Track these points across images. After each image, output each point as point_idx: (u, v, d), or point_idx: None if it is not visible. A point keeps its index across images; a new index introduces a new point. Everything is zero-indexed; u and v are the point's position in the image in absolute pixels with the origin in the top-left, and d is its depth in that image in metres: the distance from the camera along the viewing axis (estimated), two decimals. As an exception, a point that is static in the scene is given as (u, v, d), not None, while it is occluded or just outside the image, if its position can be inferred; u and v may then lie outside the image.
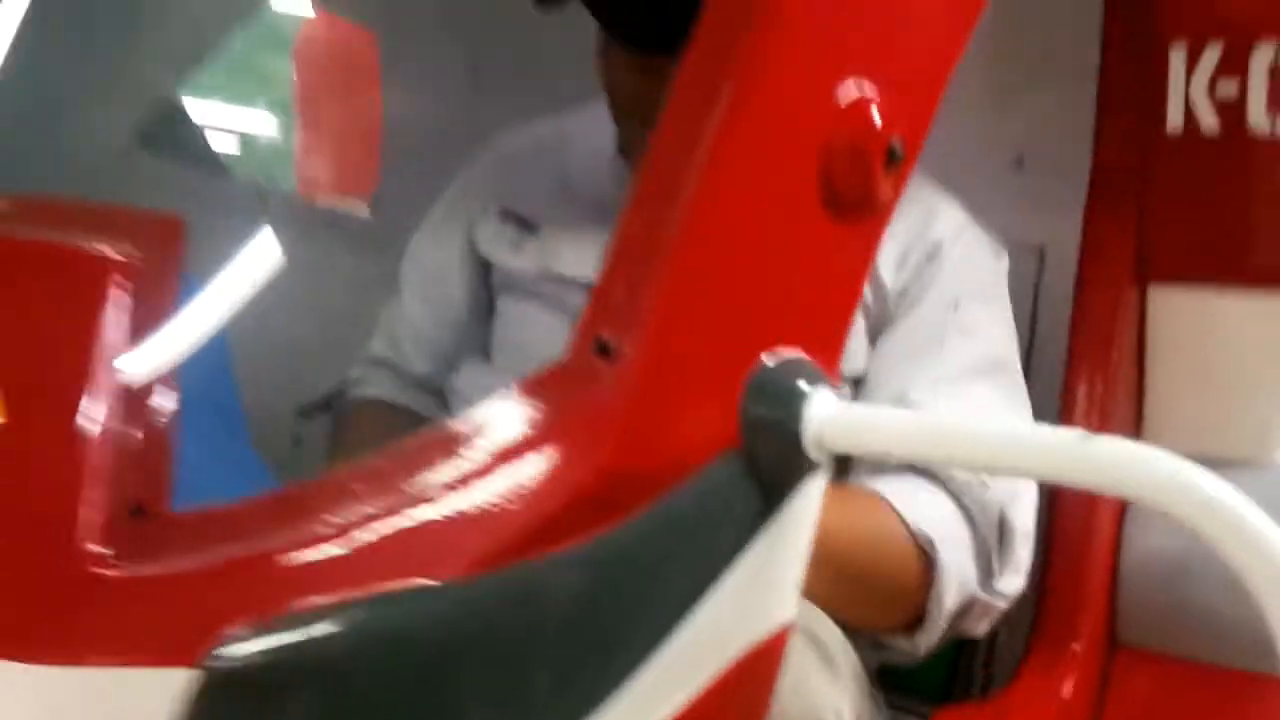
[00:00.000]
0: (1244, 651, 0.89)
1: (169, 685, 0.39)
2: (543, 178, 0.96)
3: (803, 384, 0.43)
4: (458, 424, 0.44)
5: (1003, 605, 0.81)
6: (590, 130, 0.96)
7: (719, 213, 0.44)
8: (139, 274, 0.48)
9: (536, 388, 0.43)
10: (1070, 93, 0.96)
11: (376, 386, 0.95)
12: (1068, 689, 0.87)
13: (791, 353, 0.44)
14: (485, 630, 0.39)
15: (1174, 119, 0.89)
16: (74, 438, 0.45)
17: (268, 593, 0.40)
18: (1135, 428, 0.94)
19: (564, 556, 0.40)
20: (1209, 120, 0.87)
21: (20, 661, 0.41)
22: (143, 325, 0.47)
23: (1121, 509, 0.96)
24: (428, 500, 0.41)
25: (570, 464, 0.41)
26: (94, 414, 0.45)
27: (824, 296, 0.47)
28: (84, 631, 0.42)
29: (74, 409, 0.46)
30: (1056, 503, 0.89)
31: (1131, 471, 0.37)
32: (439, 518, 0.41)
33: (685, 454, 0.42)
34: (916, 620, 0.76)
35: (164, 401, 0.47)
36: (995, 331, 0.84)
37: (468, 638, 0.39)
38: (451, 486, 0.42)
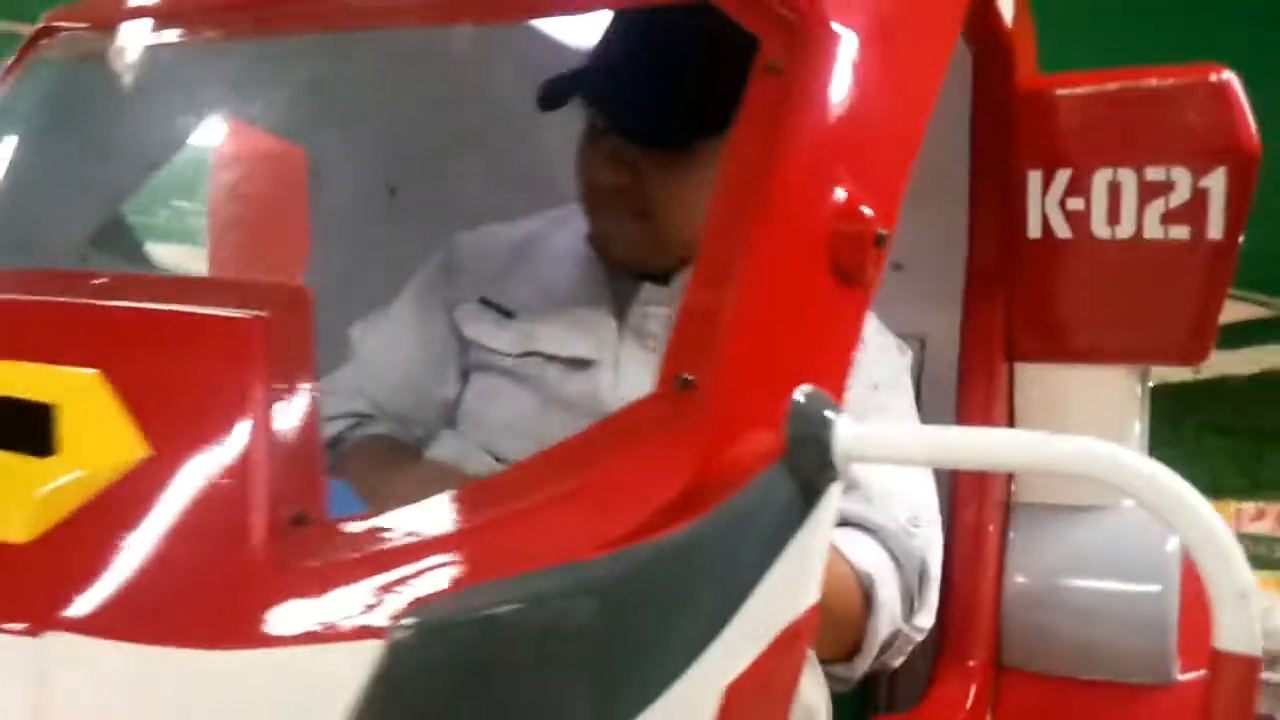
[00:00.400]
0: (1105, 666, 1.06)
1: (360, 655, 0.48)
2: (518, 271, 1.08)
3: (829, 411, 0.56)
4: (575, 441, 0.55)
5: (918, 639, 0.96)
6: (554, 232, 1.10)
7: (761, 283, 0.59)
8: (278, 331, 0.58)
9: (635, 412, 0.56)
10: (943, 210, 1.16)
11: (377, 428, 1.02)
12: (969, 704, 1.02)
13: (815, 388, 0.58)
14: (616, 597, 0.50)
15: (1033, 228, 1.10)
16: (240, 461, 0.54)
17: (437, 573, 0.50)
18: (1010, 480, 1.13)
19: (665, 541, 0.52)
20: (1061, 229, 1.09)
21: (220, 649, 0.50)
22: (286, 372, 0.57)
23: (1001, 552, 1.13)
24: (562, 499, 0.53)
25: (667, 471, 0.54)
26: (257, 442, 0.54)
27: (834, 345, 0.61)
28: (275, 619, 0.50)
29: (239, 440, 0.55)
30: (950, 549, 1.05)
31: (1086, 457, 0.52)
32: (571, 513, 0.52)
33: (745, 463, 0.55)
34: (854, 649, 0.89)
35: (311, 430, 0.56)
36: (904, 410, 1.01)
37: (605, 602, 0.50)
38: (578, 489, 0.53)
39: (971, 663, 1.02)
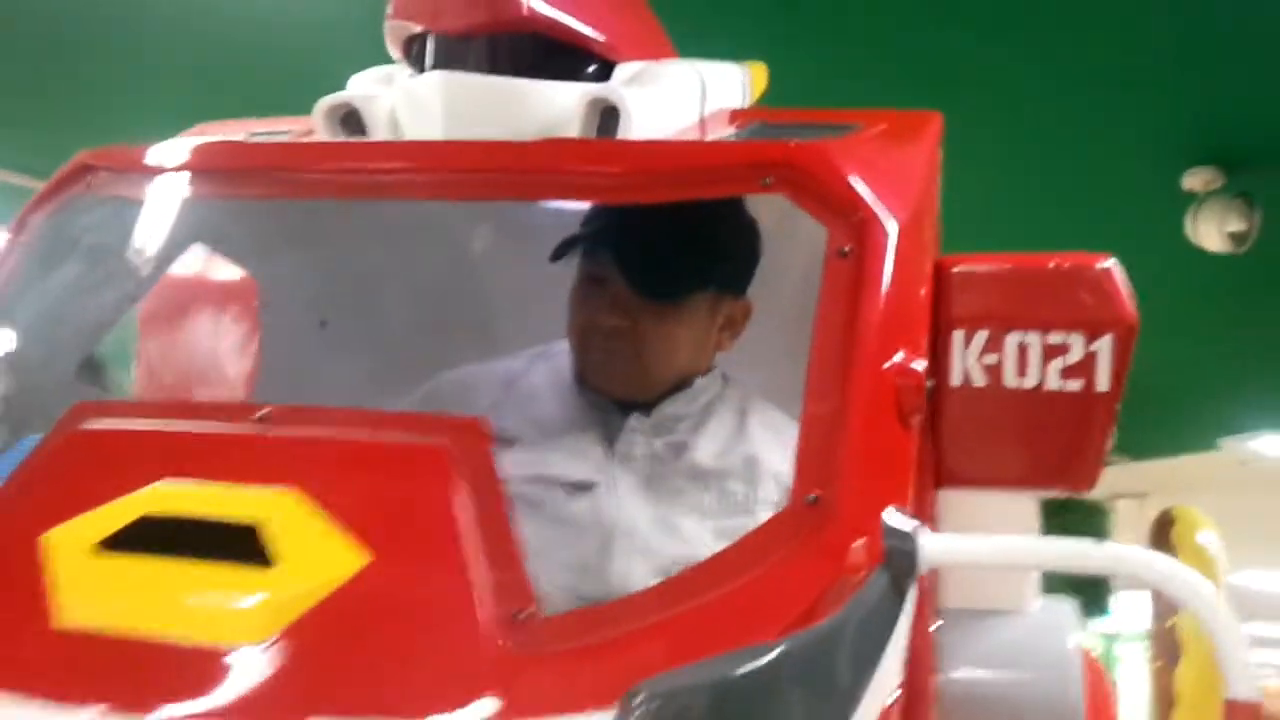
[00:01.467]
0: None
1: None
2: (508, 404, 1.17)
3: (911, 527, 0.71)
4: (730, 551, 0.67)
5: None
6: (535, 368, 1.19)
7: (858, 424, 0.74)
8: (468, 455, 0.67)
9: (775, 525, 0.68)
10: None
11: None
12: None
13: (899, 507, 0.72)
14: (793, 671, 0.62)
15: (955, 379, 1.30)
16: (461, 564, 0.63)
17: (651, 658, 0.60)
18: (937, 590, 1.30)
19: (820, 628, 0.64)
20: (979, 379, 1.29)
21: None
22: (479, 489, 0.66)
23: (934, 651, 1.30)
24: (730, 596, 0.64)
25: (810, 572, 0.66)
26: (471, 547, 0.63)
27: (903, 472, 0.76)
28: (518, 699, 0.59)
29: (455, 547, 0.63)
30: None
31: (1124, 560, 0.68)
32: (741, 607, 0.64)
33: (858, 568, 0.68)
34: None
35: (510, 536, 0.66)
36: None
37: (784, 681, 0.61)
38: (741, 589, 0.65)
39: None
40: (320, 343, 1.42)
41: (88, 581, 0.64)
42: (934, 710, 1.22)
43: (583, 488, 1.08)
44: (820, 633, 0.64)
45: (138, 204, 1.06)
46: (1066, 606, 1.42)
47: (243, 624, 0.61)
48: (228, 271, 1.40)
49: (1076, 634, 1.34)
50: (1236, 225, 3.39)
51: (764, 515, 0.90)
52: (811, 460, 0.72)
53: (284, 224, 1.27)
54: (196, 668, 0.61)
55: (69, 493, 0.69)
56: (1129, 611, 7.97)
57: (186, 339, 1.30)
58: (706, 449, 1.16)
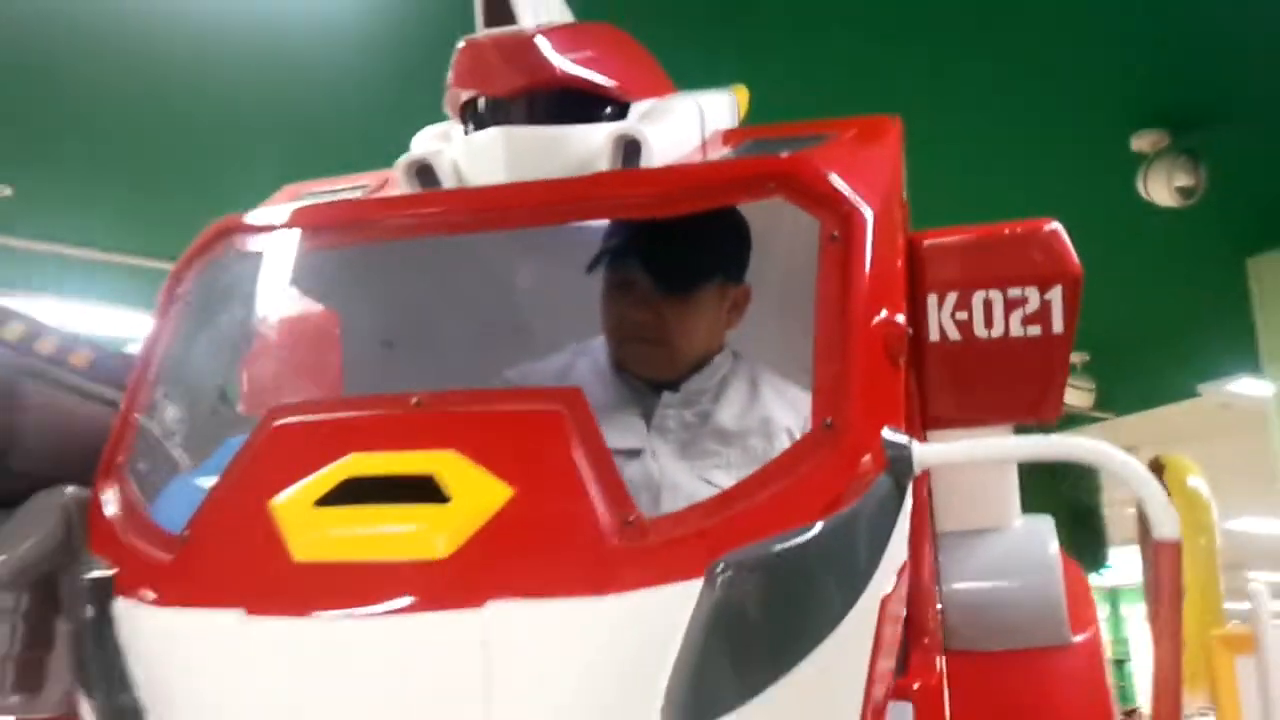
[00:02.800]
0: (1021, 638, 1.45)
1: (686, 593, 0.80)
2: None
3: (907, 439, 0.93)
4: (774, 464, 0.90)
5: None
6: (580, 360, 1.41)
7: (858, 366, 0.96)
8: (576, 416, 0.90)
9: (801, 446, 0.91)
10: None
11: None
12: (934, 676, 1.38)
13: (895, 427, 0.94)
14: (825, 546, 0.84)
15: (934, 334, 1.51)
16: (584, 490, 0.85)
17: (724, 542, 0.83)
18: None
19: (845, 513, 0.86)
20: (953, 334, 1.51)
21: (602, 595, 0.80)
22: (589, 442, 0.89)
23: (936, 567, 1.52)
24: (778, 496, 0.87)
25: (831, 478, 0.89)
26: (590, 478, 0.86)
27: (894, 400, 0.98)
28: (634, 576, 0.81)
29: (578, 478, 0.86)
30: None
31: (1077, 446, 0.91)
32: (786, 503, 0.87)
33: (867, 472, 0.91)
34: None
35: (613, 469, 0.88)
36: None
37: (819, 554, 0.84)
38: (785, 490, 0.88)
39: (927, 641, 1.38)
40: (389, 359, 1.63)
41: (311, 529, 0.86)
42: (937, 617, 1.45)
43: (631, 454, 1.28)
44: (842, 518, 0.87)
45: (260, 258, 1.28)
46: (1045, 521, 1.63)
47: (432, 542, 0.83)
48: (315, 306, 1.62)
49: (1054, 543, 1.54)
50: (1184, 180, 3.63)
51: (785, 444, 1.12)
52: (825, 395, 0.94)
53: (360, 266, 1.50)
54: (405, 577, 0.83)
55: (283, 469, 0.91)
56: (1127, 566, 8.04)
57: (286, 361, 1.52)
58: (727, 414, 1.36)
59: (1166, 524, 0.90)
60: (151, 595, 0.93)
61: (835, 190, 1.07)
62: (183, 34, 3.25)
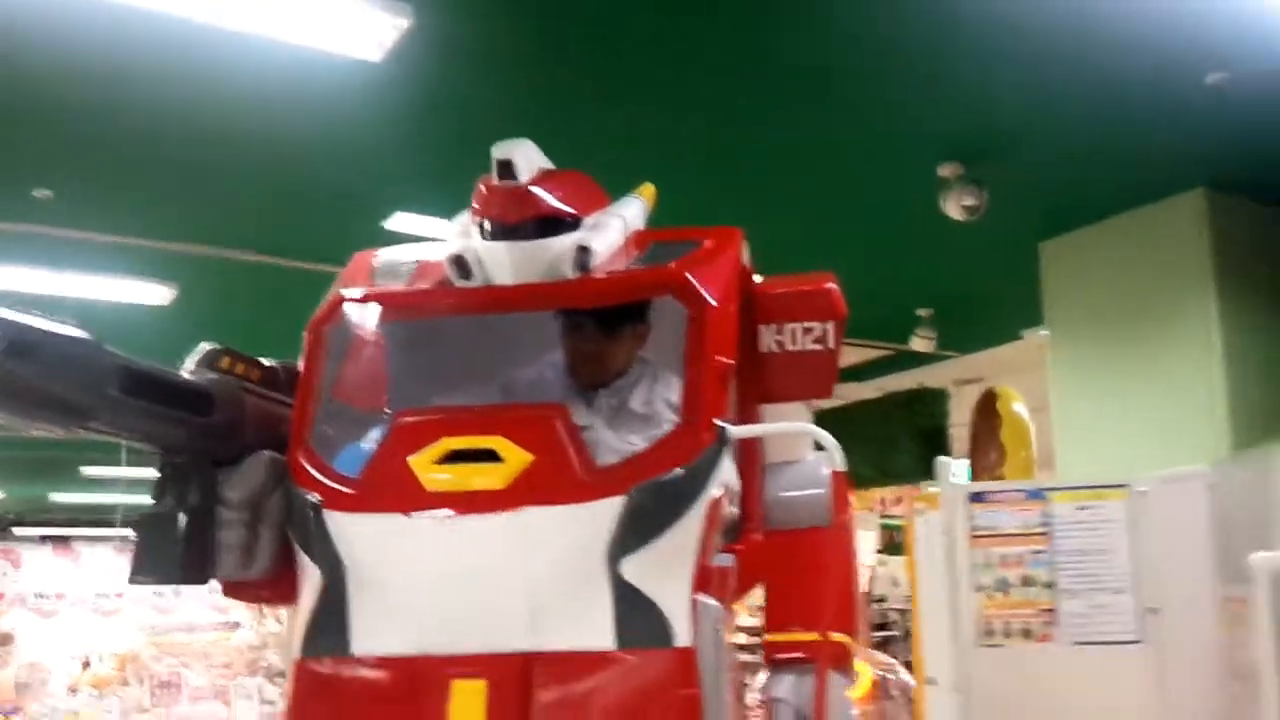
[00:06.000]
0: (808, 520, 1.98)
1: (616, 501, 1.52)
2: (541, 390, 1.94)
3: (726, 424, 1.68)
4: (653, 446, 1.64)
5: None
6: (549, 372, 1.94)
7: (707, 388, 1.65)
8: (558, 415, 1.64)
9: (669, 437, 1.66)
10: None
11: None
12: (752, 542, 1.89)
13: (721, 419, 1.69)
14: (679, 482, 1.58)
15: (764, 348, 1.94)
16: (569, 451, 1.58)
17: (636, 475, 1.57)
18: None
19: (700, 461, 1.57)
20: (775, 347, 1.95)
21: (572, 504, 1.52)
22: (566, 427, 1.62)
23: (761, 482, 2.02)
24: (657, 450, 1.61)
25: (686, 447, 1.58)
26: (572, 448, 1.59)
27: (723, 403, 1.73)
28: (589, 493, 1.51)
29: (565, 447, 1.59)
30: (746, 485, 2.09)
31: (798, 426, 1.68)
32: (663, 456, 1.60)
33: (705, 442, 1.63)
34: None
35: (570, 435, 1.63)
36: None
37: (678, 483, 1.56)
38: (662, 448, 1.61)
39: (751, 524, 1.91)
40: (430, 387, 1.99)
41: (433, 473, 1.53)
42: (764, 513, 1.98)
43: (581, 429, 1.67)
44: (691, 467, 1.53)
45: (363, 323, 1.82)
46: (822, 458, 2.00)
47: (497, 479, 1.49)
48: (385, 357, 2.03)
49: (826, 469, 1.98)
50: (970, 201, 4.42)
51: (669, 428, 1.69)
52: (688, 401, 1.61)
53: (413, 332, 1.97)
54: (482, 497, 1.48)
55: (412, 443, 1.54)
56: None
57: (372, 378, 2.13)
58: (637, 402, 1.88)
59: (839, 461, 1.70)
60: (343, 506, 1.53)
61: (696, 291, 1.64)
62: (190, 69, 3.73)
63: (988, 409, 7.80)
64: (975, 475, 7.62)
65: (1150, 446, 4.52)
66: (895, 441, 8.09)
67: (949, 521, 1.75)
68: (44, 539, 5.77)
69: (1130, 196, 5.09)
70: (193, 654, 6.31)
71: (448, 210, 1.85)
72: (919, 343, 6.99)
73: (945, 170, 4.55)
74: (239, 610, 6.18)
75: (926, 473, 8.32)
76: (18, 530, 11.89)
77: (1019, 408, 7.45)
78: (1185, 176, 4.88)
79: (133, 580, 1.60)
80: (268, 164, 4.38)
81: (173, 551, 1.55)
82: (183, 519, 1.55)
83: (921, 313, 6.98)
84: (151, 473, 1.63)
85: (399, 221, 5.06)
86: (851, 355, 8.36)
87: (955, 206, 4.42)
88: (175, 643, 6.22)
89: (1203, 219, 4.95)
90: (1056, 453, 5.60)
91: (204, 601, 6.18)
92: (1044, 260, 5.62)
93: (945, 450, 8.14)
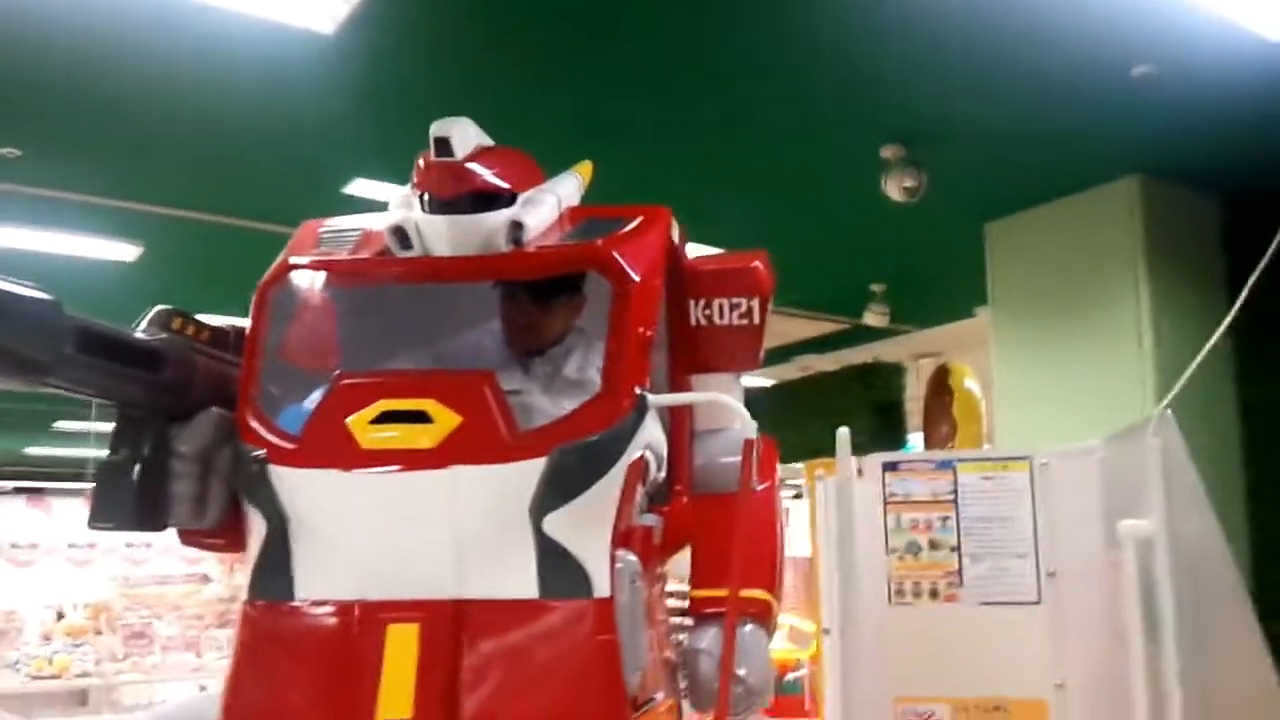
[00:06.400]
0: (727, 486, 1.97)
1: (539, 462, 1.63)
2: (480, 355, 2.00)
3: (644, 392, 1.80)
4: (586, 406, 1.75)
5: None
6: (486, 339, 2.00)
7: (629, 357, 1.75)
8: (485, 380, 1.74)
9: (592, 403, 1.76)
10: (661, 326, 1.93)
11: None
12: (679, 505, 2.00)
13: (642, 386, 1.80)
14: (600, 444, 1.70)
15: (693, 321, 2.00)
16: (495, 414, 1.69)
17: (561, 437, 1.67)
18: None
19: (620, 425, 1.69)
20: (703, 321, 2.01)
21: (496, 464, 1.63)
22: (493, 390, 1.73)
23: (690, 449, 2.19)
24: (582, 412, 1.72)
25: (608, 412, 1.70)
26: (498, 409, 1.70)
27: (644, 371, 1.85)
28: (514, 454, 1.63)
29: (492, 410, 1.69)
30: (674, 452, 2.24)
31: (718, 398, 1.80)
32: (588, 419, 1.70)
33: (627, 407, 1.75)
34: None
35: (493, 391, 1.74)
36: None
37: (599, 446, 1.68)
38: (586, 412, 1.73)
39: (679, 487, 2.00)
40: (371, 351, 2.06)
41: (368, 432, 1.61)
42: (689, 476, 2.06)
43: (515, 393, 1.76)
44: (611, 430, 1.63)
45: (302, 285, 1.87)
46: (753, 426, 1.98)
47: (428, 439, 1.60)
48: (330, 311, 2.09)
49: (750, 431, 2.11)
50: (910, 183, 4.55)
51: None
52: (609, 369, 1.70)
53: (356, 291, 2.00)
54: (413, 455, 1.58)
55: (350, 404, 1.63)
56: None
57: (318, 342, 2.22)
58: (570, 369, 1.92)
59: (750, 430, 1.82)
60: (286, 461, 1.60)
61: (620, 267, 1.71)
62: (153, 36, 3.78)
63: (940, 384, 7.98)
64: (928, 448, 7.93)
65: (1084, 421, 4.70)
66: (851, 414, 8.02)
67: (842, 485, 1.87)
68: (17, 491, 5.85)
69: (1068, 182, 5.24)
70: (165, 605, 6.39)
71: (407, 178, 1.93)
72: (872, 318, 7.14)
73: (887, 152, 4.66)
74: (210, 563, 6.27)
75: (881, 445, 8.57)
76: (-9, 483, 11.90)
77: (971, 383, 7.61)
78: (1119, 164, 5.04)
79: (91, 525, 1.70)
80: (227, 130, 4.43)
81: (127, 499, 1.64)
82: (137, 469, 1.64)
83: (875, 288, 7.12)
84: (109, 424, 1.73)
85: (359, 187, 5.13)
86: (809, 328, 8.50)
87: (895, 188, 4.54)
88: (147, 594, 6.30)
89: (1135, 204, 5.11)
90: (996, 425, 5.78)
91: (176, 554, 6.26)
92: (988, 241, 5.77)
93: (900, 423, 8.51)
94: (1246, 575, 5.08)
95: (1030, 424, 5.23)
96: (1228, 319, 2.06)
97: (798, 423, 7.93)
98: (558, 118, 4.24)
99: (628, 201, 2.00)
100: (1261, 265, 2.31)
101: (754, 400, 2.04)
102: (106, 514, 1.64)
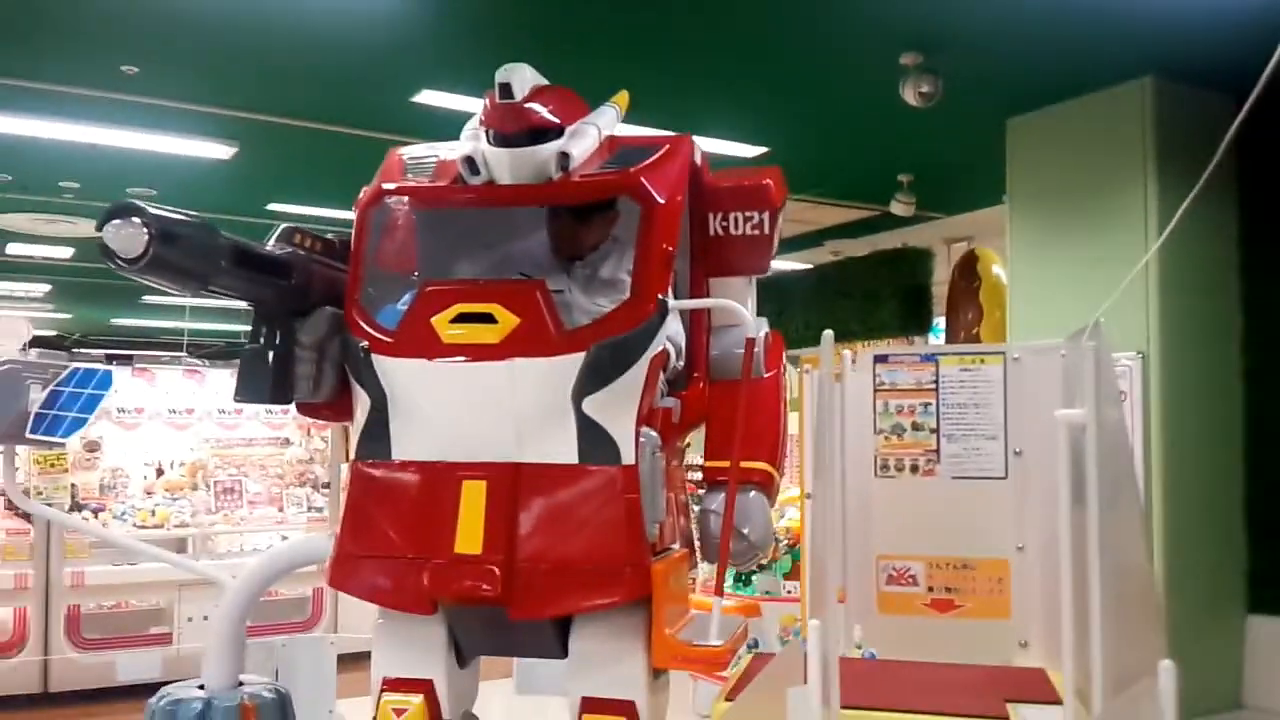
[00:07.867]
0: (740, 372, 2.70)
1: (580, 356, 1.98)
2: (531, 260, 2.30)
3: (665, 296, 2.14)
4: (615, 311, 2.12)
5: None
6: (536, 246, 2.28)
7: (654, 270, 2.08)
8: (539, 288, 2.11)
9: (623, 307, 2.09)
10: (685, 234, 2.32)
11: None
12: (697, 390, 2.42)
13: (665, 294, 2.15)
14: (630, 340, 2.05)
15: (711, 232, 2.23)
16: (547, 315, 2.02)
17: (598, 335, 2.03)
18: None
19: (648, 322, 2.04)
20: (720, 231, 2.24)
21: (548, 356, 1.98)
22: (544, 295, 2.09)
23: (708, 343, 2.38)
24: (620, 311, 2.06)
25: (635, 314, 2.02)
26: (549, 313, 2.06)
27: (666, 281, 2.16)
28: (562, 347, 1.98)
29: (544, 313, 2.05)
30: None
31: (724, 304, 2.17)
32: (625, 315, 2.04)
33: (650, 312, 2.08)
34: None
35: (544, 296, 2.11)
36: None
37: (628, 341, 2.03)
38: (622, 317, 2.08)
39: (697, 374, 2.26)
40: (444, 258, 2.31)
41: (448, 329, 1.99)
42: (705, 364, 2.26)
43: (559, 292, 2.02)
44: (639, 329, 1.96)
45: (397, 209, 2.21)
46: (763, 321, 2.26)
47: (493, 336, 1.94)
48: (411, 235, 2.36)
49: (765, 329, 2.24)
50: (926, 89, 4.67)
51: (628, 293, 1.98)
52: (637, 278, 2.01)
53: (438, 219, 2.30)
54: (483, 349, 1.94)
55: (433, 307, 1.90)
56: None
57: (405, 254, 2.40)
58: (606, 272, 2.16)
59: (751, 329, 2.16)
60: (384, 351, 1.94)
61: (648, 192, 1.97)
62: None
63: (968, 269, 8.00)
64: (951, 333, 7.90)
65: (1093, 312, 4.97)
66: (879, 298, 8.16)
67: (824, 380, 2.20)
68: (112, 359, 6.42)
69: (1085, 82, 5.30)
70: (251, 465, 7.04)
71: (465, 89, 2.21)
72: (898, 207, 7.18)
73: (906, 59, 4.78)
74: (291, 429, 6.88)
75: (908, 329, 8.66)
76: (80, 351, 12.63)
77: (999, 270, 7.58)
78: (1133, 65, 5.08)
79: (236, 399, 2.14)
80: (309, 45, 4.80)
81: (263, 380, 2.01)
82: (270, 355, 1.99)
83: (902, 178, 7.21)
84: (203, 301, 2.12)
85: (425, 97, 5.35)
86: (837, 215, 8.63)
87: (912, 93, 4.68)
88: (236, 455, 6.93)
89: (1148, 104, 5.19)
90: (1011, 313, 6.01)
91: (261, 420, 6.86)
92: (1009, 136, 5.85)
93: (928, 307, 8.54)
94: (1242, 458, 5.36)
95: (1041, 315, 5.44)
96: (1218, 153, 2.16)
97: (825, 306, 8.45)
98: (598, 26, 4.44)
99: (665, 112, 2.29)
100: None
101: (786, 282, 2.27)
102: (249, 391, 2.07)
